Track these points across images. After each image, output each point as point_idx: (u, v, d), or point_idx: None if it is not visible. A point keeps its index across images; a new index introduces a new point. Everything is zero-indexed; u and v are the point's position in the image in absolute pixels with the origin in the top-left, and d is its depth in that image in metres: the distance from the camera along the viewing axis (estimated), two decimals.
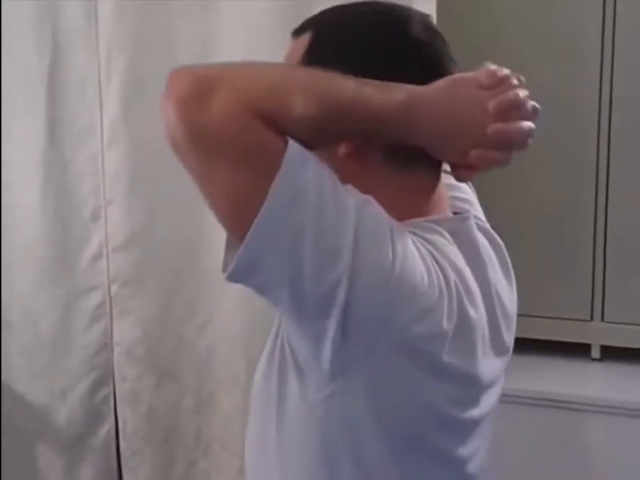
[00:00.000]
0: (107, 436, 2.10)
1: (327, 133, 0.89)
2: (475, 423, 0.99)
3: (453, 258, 0.94)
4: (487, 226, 1.10)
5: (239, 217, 0.84)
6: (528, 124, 0.93)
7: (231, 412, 1.97)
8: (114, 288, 2.03)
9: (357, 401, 0.89)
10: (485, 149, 0.91)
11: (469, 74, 0.94)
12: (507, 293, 1.06)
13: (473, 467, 1.01)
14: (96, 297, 2.05)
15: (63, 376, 2.08)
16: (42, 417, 2.12)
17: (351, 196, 0.87)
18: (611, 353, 2.15)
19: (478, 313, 0.95)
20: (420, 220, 0.97)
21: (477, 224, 1.05)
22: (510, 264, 1.11)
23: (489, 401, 1.00)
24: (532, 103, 0.94)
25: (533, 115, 0.94)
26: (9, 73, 2.01)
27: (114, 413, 2.09)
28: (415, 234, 0.93)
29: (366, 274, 0.85)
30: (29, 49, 1.99)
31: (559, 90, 2.09)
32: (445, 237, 0.97)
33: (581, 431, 1.99)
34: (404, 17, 1.00)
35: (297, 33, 1.02)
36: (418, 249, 0.90)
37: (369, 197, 0.88)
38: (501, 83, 0.93)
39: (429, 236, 0.94)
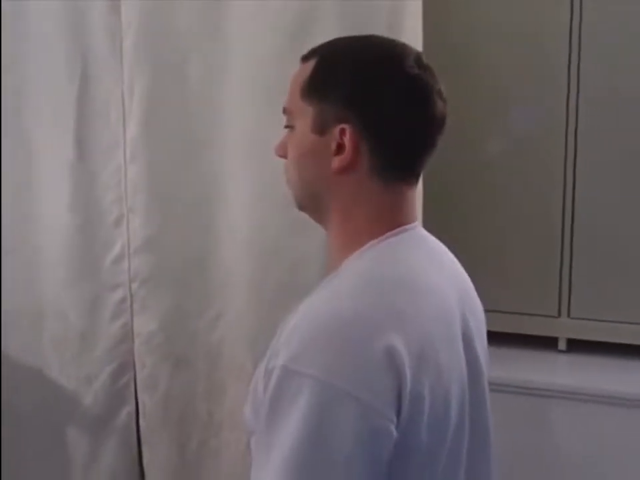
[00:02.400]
0: (128, 417, 2.16)
1: None
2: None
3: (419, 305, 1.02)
4: None
5: None
6: None
7: (238, 399, 1.98)
8: (134, 286, 2.09)
9: None
10: None
11: None
12: (467, 280, 1.18)
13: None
14: (119, 294, 2.11)
15: (89, 363, 2.14)
16: (71, 400, 2.16)
17: None
18: (576, 346, 2.22)
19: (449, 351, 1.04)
20: (385, 238, 1.06)
21: None
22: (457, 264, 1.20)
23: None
24: None
25: None
26: (43, 97, 2.07)
27: (134, 397, 2.14)
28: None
29: None
30: (61, 76, 2.05)
31: (529, 99, 2.16)
32: (406, 246, 1.07)
33: (548, 416, 2.04)
34: (401, 52, 1.07)
35: (306, 57, 1.10)
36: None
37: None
38: None
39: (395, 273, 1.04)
